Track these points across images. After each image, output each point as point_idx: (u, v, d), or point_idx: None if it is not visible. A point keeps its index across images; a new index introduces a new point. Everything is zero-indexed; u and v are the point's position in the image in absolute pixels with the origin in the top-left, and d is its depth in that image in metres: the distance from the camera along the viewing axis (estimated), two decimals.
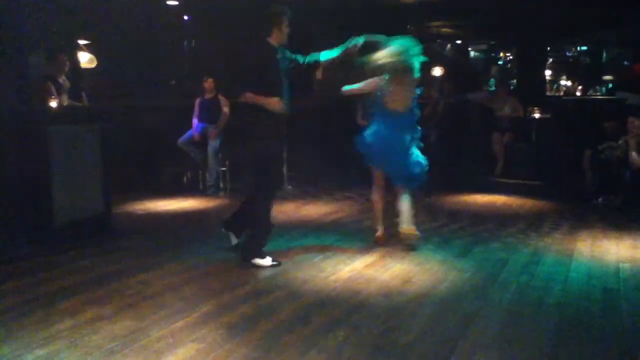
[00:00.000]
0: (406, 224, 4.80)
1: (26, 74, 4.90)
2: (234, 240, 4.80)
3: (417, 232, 4.84)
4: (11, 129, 4.75)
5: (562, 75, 15.70)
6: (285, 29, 4.36)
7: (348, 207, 6.65)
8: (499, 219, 6.01)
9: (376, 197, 5.02)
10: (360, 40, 4.58)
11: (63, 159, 5.03)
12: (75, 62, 7.23)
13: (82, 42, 8.27)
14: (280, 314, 3.38)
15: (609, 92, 12.17)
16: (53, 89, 5.71)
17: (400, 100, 4.73)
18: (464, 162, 8.23)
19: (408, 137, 4.77)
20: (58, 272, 4.22)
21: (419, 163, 4.83)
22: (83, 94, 6.28)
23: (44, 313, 3.38)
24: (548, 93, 13.07)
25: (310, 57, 4.57)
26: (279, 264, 4.34)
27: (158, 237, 5.41)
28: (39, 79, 5.73)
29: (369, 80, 4.76)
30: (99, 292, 3.77)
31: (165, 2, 8.60)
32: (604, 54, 14.68)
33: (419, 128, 4.89)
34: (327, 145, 8.31)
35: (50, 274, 4.18)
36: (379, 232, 5.00)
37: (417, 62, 4.67)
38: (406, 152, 4.77)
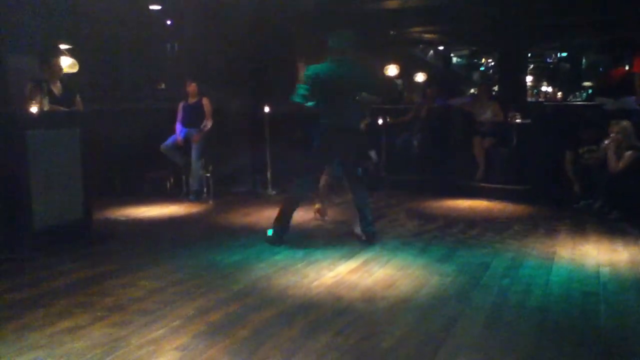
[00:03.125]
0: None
1: (4, 76, 4.85)
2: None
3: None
4: None
5: (542, 81, 15.93)
6: None
7: (332, 213, 6.65)
8: (481, 224, 6.06)
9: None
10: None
11: (42, 163, 4.97)
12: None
13: (63, 46, 8.19)
14: (262, 319, 3.36)
15: (589, 97, 12.36)
16: (37, 93, 5.64)
17: None
18: (447, 167, 8.29)
19: None
20: (36, 277, 4.17)
21: None
22: (78, 98, 6.21)
23: (21, 320, 3.33)
24: (529, 98, 13.24)
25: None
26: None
27: (138, 242, 5.36)
28: (30, 82, 5.67)
29: None
30: (78, 298, 3.72)
31: (148, 7, 8.55)
32: (584, 61, 14.91)
33: None
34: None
35: (28, 279, 4.13)
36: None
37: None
38: None
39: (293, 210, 5.22)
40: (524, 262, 4.60)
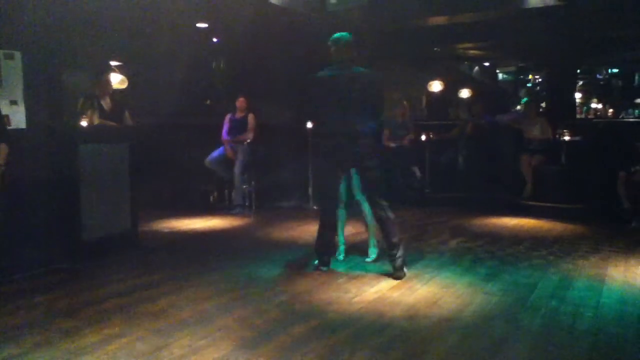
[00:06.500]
0: None
1: (58, 91, 5.04)
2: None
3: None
4: (43, 145, 4.89)
5: (592, 98, 15.50)
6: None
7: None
8: (528, 242, 5.89)
9: None
10: None
11: (92, 176, 5.12)
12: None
13: (113, 63, 8.46)
14: (302, 330, 3.34)
15: None
16: (88, 108, 5.84)
17: None
18: (493, 184, 8.12)
19: None
20: (84, 286, 4.27)
21: None
22: (127, 113, 6.41)
23: (70, 326, 3.41)
24: (578, 116, 12.91)
25: None
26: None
27: (183, 253, 5.45)
28: (81, 98, 5.88)
29: None
30: (123, 306, 3.78)
31: (195, 25, 8.76)
32: (636, 77, 14.46)
33: None
34: None
35: (77, 287, 4.23)
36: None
37: None
38: None
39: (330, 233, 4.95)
40: (573, 282, 4.44)
